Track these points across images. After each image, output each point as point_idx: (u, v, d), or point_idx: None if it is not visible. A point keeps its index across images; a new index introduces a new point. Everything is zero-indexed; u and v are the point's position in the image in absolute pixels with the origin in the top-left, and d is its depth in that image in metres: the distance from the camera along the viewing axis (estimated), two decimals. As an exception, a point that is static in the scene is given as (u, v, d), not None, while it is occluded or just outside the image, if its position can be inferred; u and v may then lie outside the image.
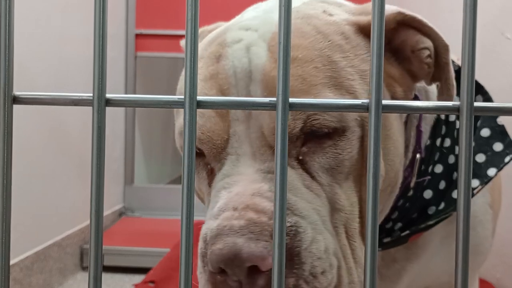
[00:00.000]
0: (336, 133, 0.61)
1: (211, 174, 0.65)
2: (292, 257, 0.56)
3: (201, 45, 0.69)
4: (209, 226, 0.57)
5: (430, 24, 0.66)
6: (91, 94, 0.37)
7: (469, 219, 0.37)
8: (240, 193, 0.58)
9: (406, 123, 0.74)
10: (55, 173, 2.03)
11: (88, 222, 2.29)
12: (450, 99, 0.67)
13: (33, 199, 1.86)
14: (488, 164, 0.75)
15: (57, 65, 2.06)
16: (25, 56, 1.79)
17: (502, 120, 0.77)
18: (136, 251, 2.19)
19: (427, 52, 0.67)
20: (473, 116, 0.37)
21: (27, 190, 1.80)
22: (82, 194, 2.13)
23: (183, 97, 0.37)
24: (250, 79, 0.61)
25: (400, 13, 0.66)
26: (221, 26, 0.73)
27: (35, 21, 1.90)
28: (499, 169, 0.75)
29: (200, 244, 0.59)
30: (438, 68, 0.68)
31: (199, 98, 0.37)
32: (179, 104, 0.37)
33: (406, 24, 0.66)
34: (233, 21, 0.71)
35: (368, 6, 0.67)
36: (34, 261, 1.87)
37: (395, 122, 0.68)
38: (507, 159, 0.75)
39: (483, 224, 0.82)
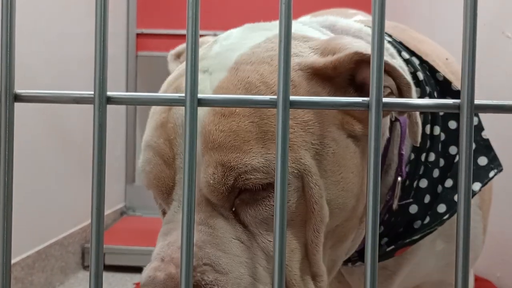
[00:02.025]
0: (271, 185, 0.59)
1: (164, 214, 0.67)
2: None
3: (165, 83, 0.70)
4: (144, 271, 0.60)
5: (391, 62, 0.64)
6: (92, 92, 0.37)
7: (469, 218, 0.38)
8: (170, 243, 0.59)
9: (387, 146, 0.74)
10: (57, 171, 2.04)
11: (89, 221, 2.29)
12: (415, 137, 0.66)
13: (35, 198, 1.86)
14: (473, 178, 0.75)
15: (58, 63, 2.06)
16: (26, 54, 1.80)
17: (487, 134, 0.77)
18: (137, 250, 2.19)
19: (388, 90, 0.64)
20: (473, 114, 0.38)
21: (29, 188, 1.80)
22: (83, 193, 2.12)
23: (183, 95, 0.37)
24: None
25: (357, 53, 0.63)
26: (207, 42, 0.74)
27: (36, 19, 1.90)
28: (483, 184, 0.74)
29: None
30: None
31: (200, 96, 0.37)
32: (179, 102, 0.37)
33: (366, 62, 0.63)
34: (203, 51, 0.69)
35: (335, 39, 0.67)
36: (36, 260, 1.87)
37: (351, 161, 0.65)
38: (491, 174, 0.75)
39: (473, 224, 0.82)
